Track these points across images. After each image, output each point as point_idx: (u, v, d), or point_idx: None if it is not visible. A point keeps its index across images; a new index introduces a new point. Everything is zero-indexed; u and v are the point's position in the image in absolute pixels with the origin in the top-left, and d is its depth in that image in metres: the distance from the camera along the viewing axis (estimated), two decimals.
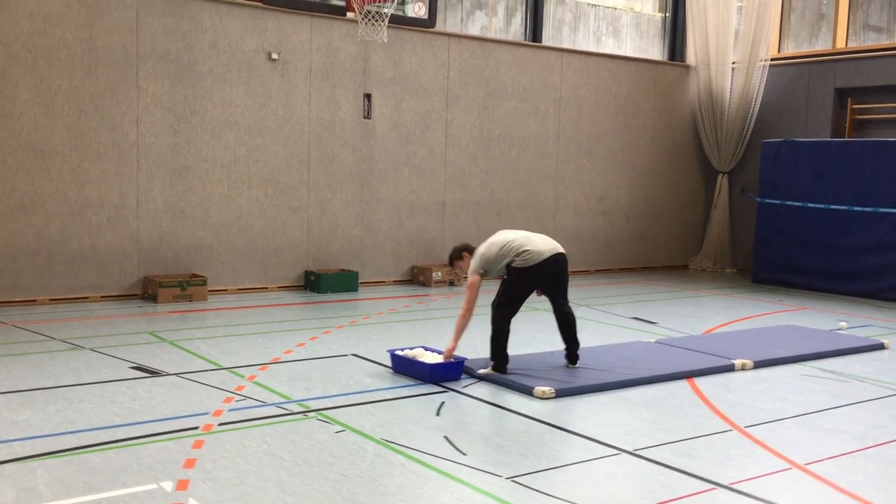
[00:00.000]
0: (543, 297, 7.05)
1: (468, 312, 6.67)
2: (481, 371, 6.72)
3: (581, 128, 13.47)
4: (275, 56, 10.72)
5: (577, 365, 6.95)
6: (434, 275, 11.75)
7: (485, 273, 6.75)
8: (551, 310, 7.04)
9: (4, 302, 9.31)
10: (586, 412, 5.93)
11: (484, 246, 6.80)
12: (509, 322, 6.78)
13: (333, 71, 11.23)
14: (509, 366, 6.75)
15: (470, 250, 6.93)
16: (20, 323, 8.40)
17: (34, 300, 9.48)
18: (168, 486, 4.32)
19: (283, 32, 10.80)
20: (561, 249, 6.84)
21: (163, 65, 10.03)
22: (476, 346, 7.88)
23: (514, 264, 6.65)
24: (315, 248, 11.30)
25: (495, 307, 6.81)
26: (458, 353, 6.82)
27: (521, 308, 6.83)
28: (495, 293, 6.88)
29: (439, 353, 6.78)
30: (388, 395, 6.18)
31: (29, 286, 9.46)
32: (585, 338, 7.49)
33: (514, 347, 7.82)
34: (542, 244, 6.76)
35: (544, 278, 6.76)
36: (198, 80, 10.26)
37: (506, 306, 6.77)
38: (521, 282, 6.71)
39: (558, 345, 7.74)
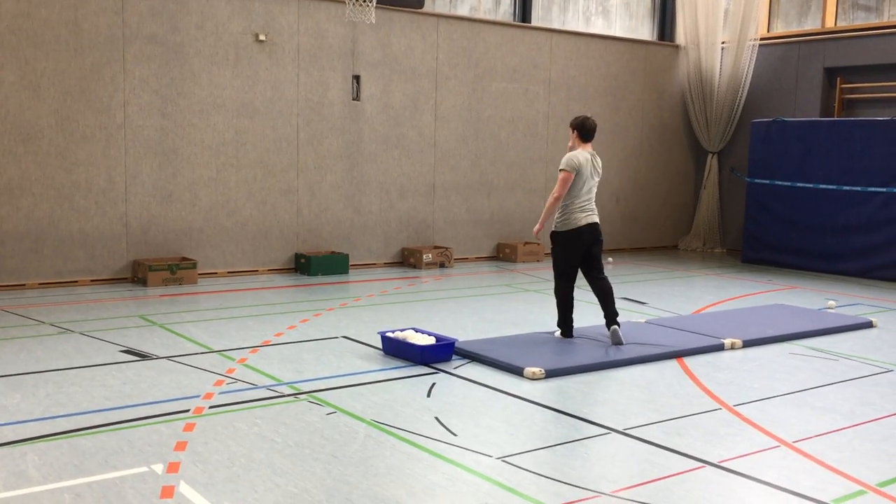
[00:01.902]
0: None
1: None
2: (556, 332, 7.35)
3: (571, 108, 13.44)
4: (262, 37, 10.64)
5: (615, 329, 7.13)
6: (424, 257, 11.75)
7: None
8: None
9: None
10: (576, 392, 5.96)
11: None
12: (562, 289, 7.20)
13: (321, 52, 11.16)
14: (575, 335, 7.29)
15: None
16: (9, 307, 8.36)
17: (23, 284, 9.44)
18: (159, 468, 4.32)
19: (270, 13, 10.72)
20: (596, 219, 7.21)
21: (149, 47, 9.94)
22: (467, 328, 7.90)
23: (554, 227, 7.16)
24: (305, 231, 11.28)
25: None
26: (449, 335, 6.83)
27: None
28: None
29: (430, 334, 6.79)
30: (379, 376, 6.19)
31: (17, 270, 9.42)
32: (575, 318, 7.50)
33: (504, 328, 7.86)
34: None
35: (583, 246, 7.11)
36: (185, 62, 10.18)
37: (554, 274, 7.30)
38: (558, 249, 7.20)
39: (549, 325, 7.77)
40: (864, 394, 6.08)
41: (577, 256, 7.15)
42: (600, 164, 7.28)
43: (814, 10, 14.15)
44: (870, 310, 9.45)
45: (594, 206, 7.20)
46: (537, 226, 7.32)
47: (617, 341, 7.05)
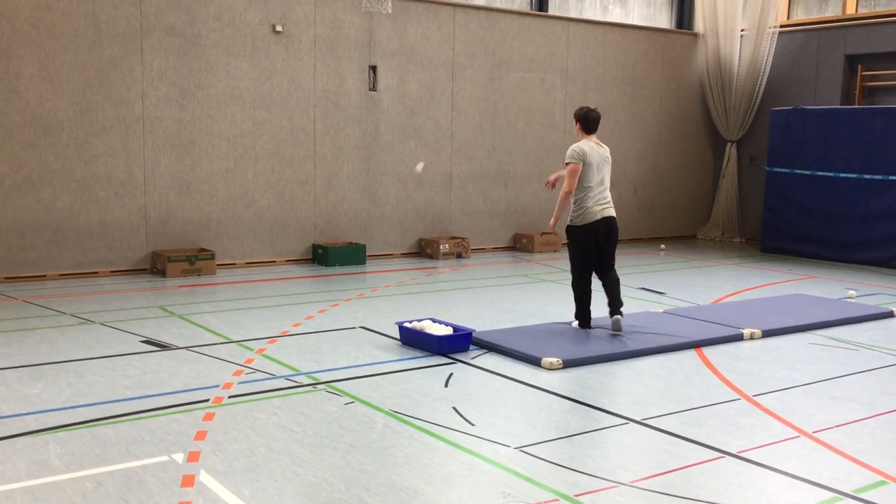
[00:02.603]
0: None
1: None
2: (574, 323, 7.33)
3: (588, 98, 13.36)
4: (279, 28, 10.65)
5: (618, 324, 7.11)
6: (441, 247, 11.75)
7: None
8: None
9: (14, 277, 9.36)
10: (594, 382, 5.95)
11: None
12: (580, 283, 7.18)
13: (338, 43, 11.15)
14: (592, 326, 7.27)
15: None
16: (30, 298, 8.44)
17: (44, 275, 9.52)
18: (179, 458, 4.36)
19: (287, 4, 10.72)
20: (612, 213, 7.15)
21: (167, 38, 9.98)
22: (484, 318, 7.90)
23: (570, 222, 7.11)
24: (322, 222, 11.30)
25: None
26: (466, 325, 6.82)
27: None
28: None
29: (447, 324, 6.79)
30: (397, 366, 6.20)
31: (38, 262, 9.50)
32: (594, 308, 7.48)
33: (521, 318, 7.85)
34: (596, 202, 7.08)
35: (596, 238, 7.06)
36: (202, 54, 10.21)
37: (571, 269, 7.29)
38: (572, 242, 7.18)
39: (566, 315, 7.75)
40: (885, 384, 6.03)
41: (593, 250, 7.10)
42: (608, 152, 7.22)
43: None
44: (891, 299, 9.36)
45: (609, 198, 7.14)
46: (552, 220, 7.28)
47: (617, 329, 7.05)
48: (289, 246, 11.09)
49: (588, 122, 7.12)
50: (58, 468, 4.20)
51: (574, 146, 7.06)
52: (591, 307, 7.28)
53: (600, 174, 7.06)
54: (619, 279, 7.19)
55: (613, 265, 7.19)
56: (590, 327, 7.25)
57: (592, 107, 7.25)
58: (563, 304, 8.46)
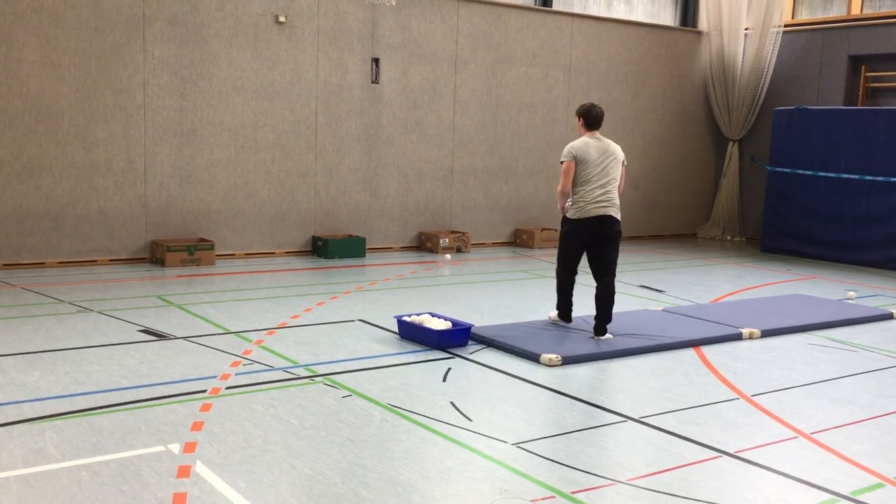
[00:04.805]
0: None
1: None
2: (551, 314, 7.35)
3: (591, 94, 13.33)
4: (282, 19, 10.61)
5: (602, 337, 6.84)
6: (441, 241, 11.73)
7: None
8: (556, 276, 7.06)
9: (13, 264, 9.34)
10: (593, 380, 5.93)
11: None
12: (561, 275, 7.12)
13: (341, 35, 11.12)
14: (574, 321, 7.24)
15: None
16: (29, 285, 8.43)
17: (42, 263, 9.50)
18: (175, 448, 4.35)
19: None
20: (610, 212, 6.84)
21: (169, 27, 9.94)
22: (483, 313, 7.89)
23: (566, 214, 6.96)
24: (322, 214, 11.28)
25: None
26: (465, 320, 6.81)
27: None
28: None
29: (446, 319, 6.78)
30: (395, 360, 6.19)
31: (37, 249, 9.48)
32: (584, 309, 7.47)
33: (521, 314, 7.84)
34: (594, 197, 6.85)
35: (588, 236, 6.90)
36: (204, 43, 10.17)
37: (557, 261, 7.21)
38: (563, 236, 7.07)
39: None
40: (883, 386, 6.02)
41: (580, 248, 6.92)
42: (618, 150, 6.90)
43: None
44: (890, 301, 9.35)
45: (613, 198, 6.78)
46: (560, 212, 7.07)
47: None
48: (288, 238, 11.07)
49: (590, 118, 6.93)
50: (54, 456, 4.19)
51: (570, 144, 6.92)
52: (573, 301, 7.15)
53: (601, 170, 6.75)
54: (613, 293, 6.81)
55: (611, 271, 6.84)
56: (570, 321, 7.17)
57: (595, 103, 7.09)
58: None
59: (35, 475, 3.97)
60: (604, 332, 6.82)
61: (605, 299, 6.80)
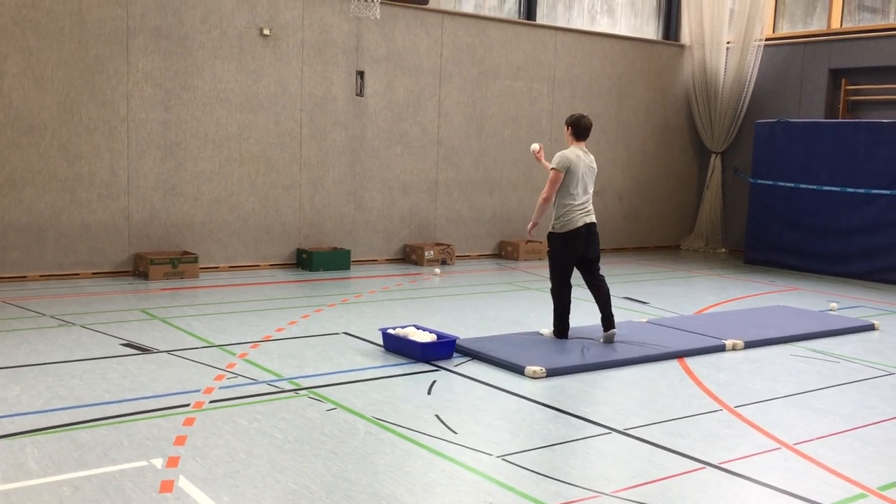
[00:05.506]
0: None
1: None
2: (543, 331, 7.33)
3: (575, 107, 13.39)
4: (267, 32, 10.62)
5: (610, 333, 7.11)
6: (426, 253, 11.73)
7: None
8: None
9: None
10: (577, 391, 5.94)
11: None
12: (560, 292, 7.13)
13: (326, 47, 11.14)
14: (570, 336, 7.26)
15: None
16: (10, 299, 8.36)
17: (24, 276, 9.43)
18: (158, 463, 4.32)
19: (274, 7, 10.69)
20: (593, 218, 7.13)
21: (153, 40, 9.92)
22: (468, 326, 7.89)
23: (552, 229, 7.05)
24: (307, 226, 11.27)
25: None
26: (450, 332, 6.81)
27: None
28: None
29: (431, 331, 6.77)
30: (380, 373, 6.18)
31: (19, 262, 9.41)
32: (578, 317, 7.51)
33: (506, 326, 7.85)
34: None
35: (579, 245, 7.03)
36: (189, 56, 10.16)
37: (551, 276, 7.23)
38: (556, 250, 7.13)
39: (551, 324, 7.75)
40: (865, 397, 6.06)
41: (574, 259, 7.08)
42: (594, 161, 7.20)
43: (819, 11, 14.12)
44: (872, 312, 9.43)
45: (591, 208, 7.13)
46: (530, 224, 7.27)
47: (609, 342, 7.06)
48: (273, 250, 11.05)
49: (579, 128, 7.10)
50: (35, 472, 4.15)
51: (562, 153, 7.04)
52: (570, 317, 7.23)
53: (584, 183, 7.04)
54: (608, 289, 7.16)
55: (600, 269, 7.19)
56: (566, 338, 7.21)
57: (585, 114, 7.25)
58: (547, 312, 8.44)
59: (16, 490, 3.94)
60: (612, 325, 7.08)
61: (606, 292, 7.13)
